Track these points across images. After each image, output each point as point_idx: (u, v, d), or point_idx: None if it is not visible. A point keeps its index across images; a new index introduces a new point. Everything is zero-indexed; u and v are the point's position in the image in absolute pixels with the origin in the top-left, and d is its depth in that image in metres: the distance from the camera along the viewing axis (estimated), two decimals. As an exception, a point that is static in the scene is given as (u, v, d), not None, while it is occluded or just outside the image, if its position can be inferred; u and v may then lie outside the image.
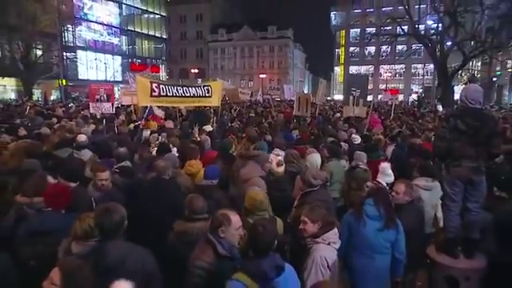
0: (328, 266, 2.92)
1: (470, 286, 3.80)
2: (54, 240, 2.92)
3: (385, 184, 4.59)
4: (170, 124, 9.86)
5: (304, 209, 3.27)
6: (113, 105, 12.12)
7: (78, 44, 45.19)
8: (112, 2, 50.27)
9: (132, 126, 9.84)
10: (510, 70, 36.45)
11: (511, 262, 3.64)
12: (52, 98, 29.88)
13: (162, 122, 10.36)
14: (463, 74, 29.88)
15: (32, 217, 3.13)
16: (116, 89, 36.37)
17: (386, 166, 5.12)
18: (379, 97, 39.44)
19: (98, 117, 10.79)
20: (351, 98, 12.96)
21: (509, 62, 36.07)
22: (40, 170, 4.27)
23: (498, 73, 39.37)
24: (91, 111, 11.77)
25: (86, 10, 45.50)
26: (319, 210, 3.16)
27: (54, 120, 10.75)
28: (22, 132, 7.97)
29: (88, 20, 46.49)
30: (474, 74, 39.46)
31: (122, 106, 16.19)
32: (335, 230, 3.12)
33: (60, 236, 2.92)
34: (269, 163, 4.93)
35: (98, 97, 11.65)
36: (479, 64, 40.44)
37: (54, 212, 3.20)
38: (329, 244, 3.03)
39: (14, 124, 9.61)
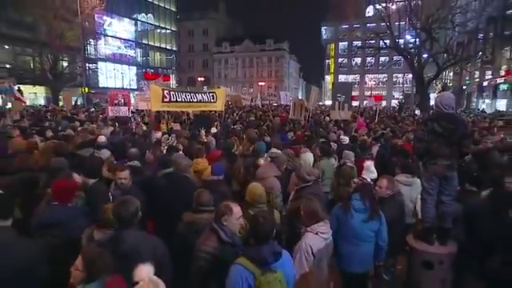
0: (312, 253, 2.91)
1: (443, 268, 3.82)
2: (60, 232, 2.91)
3: (369, 180, 4.60)
4: (177, 126, 9.86)
5: (299, 202, 3.26)
6: (129, 109, 12.15)
7: (99, 56, 45.19)
8: (128, 19, 50.15)
9: (145, 127, 9.84)
10: (477, 79, 36.77)
11: (475, 247, 3.73)
12: (72, 103, 30.09)
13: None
14: (437, 83, 30.09)
15: (42, 210, 3.09)
16: (131, 95, 36.51)
17: (369, 164, 5.14)
18: (365, 102, 39.56)
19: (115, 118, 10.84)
20: (337, 103, 13.06)
21: (476, 72, 36.53)
22: (67, 168, 4.25)
23: (467, 82, 39.83)
24: (109, 114, 11.81)
25: (105, 27, 45.39)
26: (313, 202, 3.15)
27: (77, 123, 10.74)
28: (50, 134, 7.97)
29: (107, 35, 46.39)
30: (446, 83, 39.90)
31: (137, 110, 16.22)
32: (325, 222, 3.10)
33: (66, 228, 2.91)
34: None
35: (116, 101, 11.69)
36: (451, 74, 40.90)
37: (60, 206, 3.14)
38: (317, 234, 3.01)
39: (44, 127, 9.61)
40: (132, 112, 13.95)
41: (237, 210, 2.87)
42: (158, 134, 8.01)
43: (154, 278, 1.89)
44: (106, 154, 5.53)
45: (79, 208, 3.26)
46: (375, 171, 4.99)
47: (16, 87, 13.48)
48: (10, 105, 14.18)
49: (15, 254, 2.41)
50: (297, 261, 2.87)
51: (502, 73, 31.06)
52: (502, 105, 30.18)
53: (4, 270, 2.30)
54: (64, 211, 3.09)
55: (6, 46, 32.97)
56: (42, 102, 33.17)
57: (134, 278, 1.86)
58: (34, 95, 33.48)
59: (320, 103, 49.01)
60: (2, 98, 16.84)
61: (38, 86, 32.92)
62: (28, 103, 24.76)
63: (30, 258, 2.48)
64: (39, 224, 2.79)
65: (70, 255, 2.55)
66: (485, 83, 35.19)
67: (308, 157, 5.43)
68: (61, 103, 30.42)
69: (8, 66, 32.01)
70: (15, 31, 32.01)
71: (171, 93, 8.61)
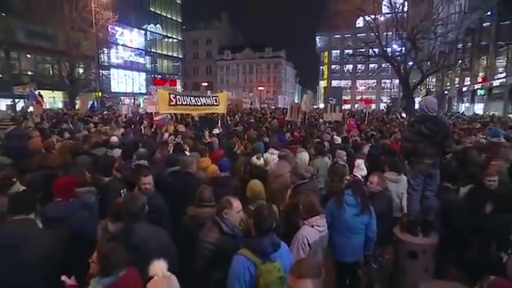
0: (308, 244, 2.91)
1: (426, 258, 3.85)
2: (64, 225, 2.88)
3: (360, 177, 4.59)
4: (182, 128, 9.84)
5: (297, 198, 3.26)
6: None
7: (111, 63, 45.11)
8: (138, 30, 50.07)
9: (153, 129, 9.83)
10: (457, 85, 36.92)
11: (453, 239, 3.82)
12: (88, 106, 30.40)
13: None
14: (422, 88, 30.16)
15: (46, 206, 3.05)
16: (141, 99, 36.59)
17: (360, 162, 5.14)
18: (356, 106, 39.61)
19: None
20: (329, 106, 13.10)
21: (456, 78, 36.69)
22: (88, 166, 4.27)
23: (448, 87, 40.00)
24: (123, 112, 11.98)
25: (117, 36, 45.33)
26: (310, 197, 3.13)
27: (91, 125, 10.74)
28: (67, 135, 7.98)
29: (119, 44, 46.34)
30: (429, 88, 40.10)
31: (146, 112, 16.19)
32: (321, 215, 3.09)
33: (69, 221, 2.89)
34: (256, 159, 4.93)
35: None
36: (434, 80, 41.04)
37: (63, 202, 3.11)
38: (313, 226, 3.01)
39: (62, 128, 9.62)
40: (142, 114, 13.99)
41: (237, 204, 2.86)
42: (165, 135, 8.00)
43: (168, 273, 1.88)
44: (117, 153, 5.51)
45: (80, 202, 3.22)
46: (365, 169, 4.99)
47: (37, 92, 13.53)
48: (31, 108, 14.22)
49: (39, 242, 2.46)
50: (294, 250, 2.87)
51: (479, 79, 31.32)
52: (479, 108, 30.31)
53: (31, 256, 2.37)
54: (66, 206, 3.06)
55: (28, 55, 33.22)
56: (60, 105, 33.34)
57: (149, 272, 1.85)
58: (53, 99, 33.68)
59: (315, 106, 49.05)
60: (24, 102, 16.93)
61: (56, 91, 33.16)
62: (47, 107, 25.11)
63: (51, 245, 2.53)
64: (45, 219, 2.77)
65: (74, 246, 2.60)
66: (464, 89, 35.39)
67: (304, 156, 5.44)
68: (77, 106, 30.65)
69: (30, 73, 32.60)
70: (36, 41, 32.31)
71: (177, 97, 8.62)
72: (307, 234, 2.95)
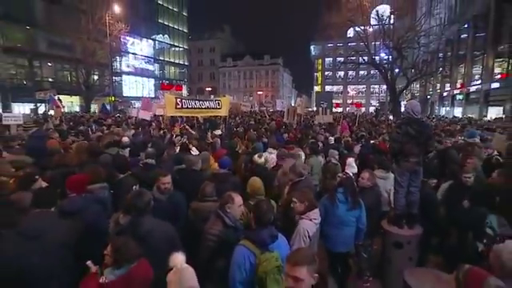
0: (309, 236, 2.91)
1: (410, 248, 3.88)
2: (78, 217, 2.88)
3: (351, 174, 4.60)
4: (187, 129, 9.81)
5: (293, 194, 3.24)
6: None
7: (123, 70, 45.04)
8: (148, 39, 50.05)
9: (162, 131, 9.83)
10: (438, 90, 37.29)
11: (431, 229, 3.91)
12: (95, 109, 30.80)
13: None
14: (407, 93, 30.33)
15: (62, 201, 3.04)
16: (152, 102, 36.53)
17: (351, 161, 5.14)
18: (347, 109, 39.52)
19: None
20: (320, 109, 13.14)
21: (438, 84, 37.15)
22: (110, 163, 4.33)
23: (431, 92, 40.44)
24: (140, 115, 12.16)
25: (129, 46, 45.17)
26: (307, 194, 3.13)
27: (104, 127, 10.75)
28: (83, 136, 7.98)
29: (130, 53, 46.29)
30: (414, 93, 40.25)
31: (154, 115, 16.17)
32: (317, 209, 3.11)
33: (83, 214, 2.88)
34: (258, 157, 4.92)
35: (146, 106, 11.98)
36: (418, 86, 41.35)
37: (77, 197, 3.12)
38: (311, 220, 3.01)
39: (79, 130, 9.64)
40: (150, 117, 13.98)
41: (238, 199, 2.86)
42: (173, 136, 8.00)
43: (185, 265, 1.88)
44: (128, 153, 5.49)
45: (93, 197, 3.23)
46: (356, 167, 4.99)
47: (56, 97, 13.61)
48: (51, 112, 14.24)
49: (58, 232, 2.50)
50: (296, 243, 2.86)
51: (458, 85, 31.79)
52: (458, 111, 30.65)
53: (51, 245, 2.40)
54: (80, 201, 3.07)
55: (49, 64, 33.52)
56: (77, 109, 33.69)
57: (169, 263, 1.86)
58: (71, 103, 33.98)
59: (310, 109, 48.95)
60: (45, 106, 16.99)
61: (73, 96, 33.48)
62: (66, 110, 25.25)
63: (69, 235, 2.57)
64: (62, 212, 2.79)
65: (89, 237, 2.63)
66: (445, 94, 35.81)
67: (300, 155, 5.42)
68: (92, 109, 30.79)
69: (50, 79, 33.02)
70: (56, 51, 32.67)
71: (183, 101, 8.62)
72: (307, 227, 2.94)
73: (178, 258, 1.87)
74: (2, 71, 28.22)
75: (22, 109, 25.30)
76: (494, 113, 24.13)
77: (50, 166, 4.23)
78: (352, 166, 4.96)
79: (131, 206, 2.63)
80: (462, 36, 31.01)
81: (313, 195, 3.20)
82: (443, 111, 34.60)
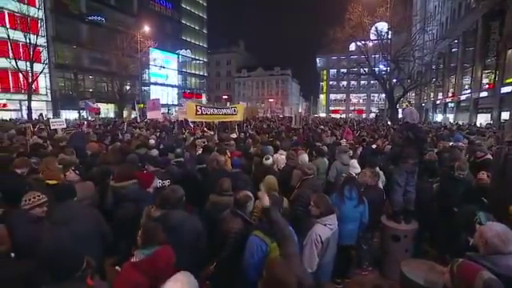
0: (321, 241, 2.73)
1: (406, 241, 3.85)
2: (134, 205, 3.00)
3: (354, 174, 4.55)
4: (207, 132, 9.88)
5: (312, 195, 3.05)
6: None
7: (151, 81, 45.91)
8: (172, 54, 50.93)
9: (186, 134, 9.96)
10: (432, 98, 37.19)
11: (427, 223, 3.90)
12: (132, 116, 31.52)
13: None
14: (403, 101, 29.79)
15: (115, 191, 3.21)
16: (173, 109, 37.20)
17: (354, 162, 5.08)
18: (349, 115, 39.12)
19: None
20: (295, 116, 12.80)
21: (431, 93, 37.16)
22: (137, 162, 4.48)
23: (425, 100, 40.27)
24: (148, 116, 12.36)
25: (156, 60, 46.15)
26: (323, 198, 2.92)
27: (138, 129, 11.00)
28: (117, 138, 8.18)
29: (157, 66, 47.18)
30: (410, 101, 39.68)
31: (177, 120, 16.43)
32: (333, 215, 2.85)
33: (139, 203, 2.97)
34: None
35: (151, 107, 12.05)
36: (413, 94, 40.84)
37: (140, 189, 3.26)
38: (325, 225, 2.80)
39: (115, 134, 9.89)
40: (174, 122, 14.22)
41: (252, 196, 2.82)
42: (193, 138, 8.08)
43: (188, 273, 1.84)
44: (154, 152, 5.52)
45: (149, 193, 3.31)
46: (358, 167, 4.93)
47: (95, 105, 14.21)
48: (90, 117, 14.76)
49: (84, 218, 2.61)
50: (307, 246, 2.71)
51: (450, 94, 31.78)
52: (450, 118, 30.05)
53: (79, 229, 2.48)
54: (141, 192, 3.21)
55: (90, 76, 35.55)
56: (112, 115, 35.11)
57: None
58: (107, 110, 35.56)
59: (316, 115, 48.60)
60: (86, 112, 17.72)
61: (109, 104, 35.10)
62: (102, 115, 26.77)
63: (95, 220, 2.70)
64: (125, 197, 3.01)
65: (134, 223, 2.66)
66: (438, 102, 35.59)
67: (304, 157, 5.37)
68: (124, 115, 31.64)
69: (91, 90, 35.11)
70: (96, 66, 34.74)
71: (202, 108, 8.73)
72: (320, 232, 2.74)
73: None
74: (54, 84, 30.82)
75: (68, 115, 26.70)
76: (482, 119, 24.34)
77: (94, 164, 4.44)
78: (354, 167, 4.90)
79: (165, 200, 2.66)
80: (453, 50, 31.30)
81: (330, 201, 2.98)
82: (437, 118, 34.08)
